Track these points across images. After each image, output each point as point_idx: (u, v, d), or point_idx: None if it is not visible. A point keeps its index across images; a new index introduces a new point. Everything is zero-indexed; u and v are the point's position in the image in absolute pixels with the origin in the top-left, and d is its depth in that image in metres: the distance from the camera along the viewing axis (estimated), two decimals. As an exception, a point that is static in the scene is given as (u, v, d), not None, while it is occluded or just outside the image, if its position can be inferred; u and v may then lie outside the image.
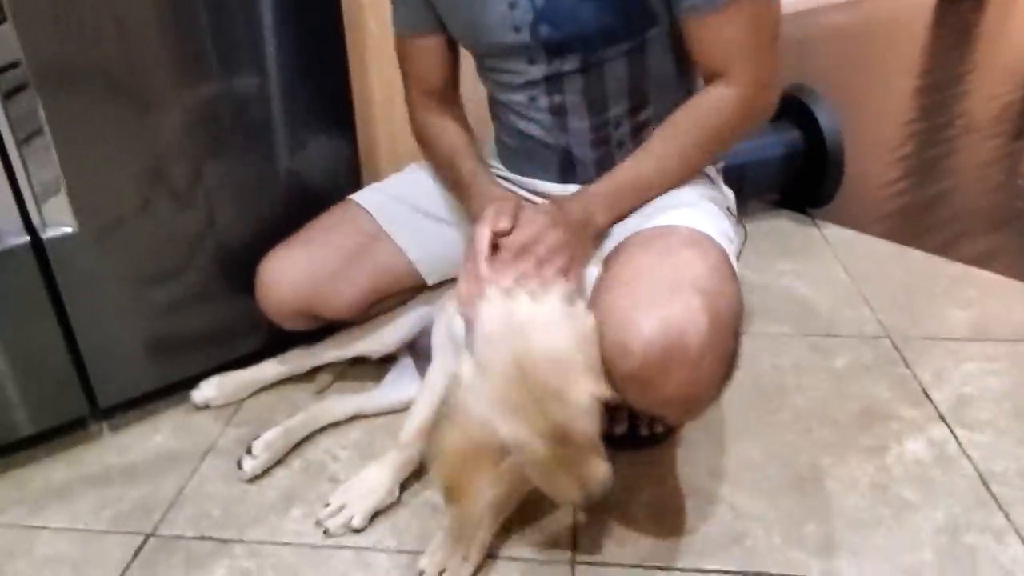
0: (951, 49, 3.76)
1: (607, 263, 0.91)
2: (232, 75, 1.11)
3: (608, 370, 0.78)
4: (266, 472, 1.09)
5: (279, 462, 1.11)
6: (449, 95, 1.12)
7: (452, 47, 1.09)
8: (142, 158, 1.07)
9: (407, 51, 1.10)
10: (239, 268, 1.17)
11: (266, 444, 1.09)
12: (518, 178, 1.10)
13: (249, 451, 1.09)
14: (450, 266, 1.12)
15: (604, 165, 1.00)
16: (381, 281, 1.13)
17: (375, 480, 1.02)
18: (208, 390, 1.23)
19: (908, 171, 2.14)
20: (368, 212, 1.14)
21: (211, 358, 1.25)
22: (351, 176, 1.28)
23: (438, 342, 1.08)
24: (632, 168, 0.96)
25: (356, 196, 1.17)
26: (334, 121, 1.24)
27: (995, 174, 2.09)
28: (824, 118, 1.67)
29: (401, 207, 1.14)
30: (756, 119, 0.96)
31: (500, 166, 1.13)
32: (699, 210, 0.95)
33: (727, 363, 0.80)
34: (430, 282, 1.16)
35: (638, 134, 1.01)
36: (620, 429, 1.08)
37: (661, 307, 0.76)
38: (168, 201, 1.11)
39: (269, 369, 1.26)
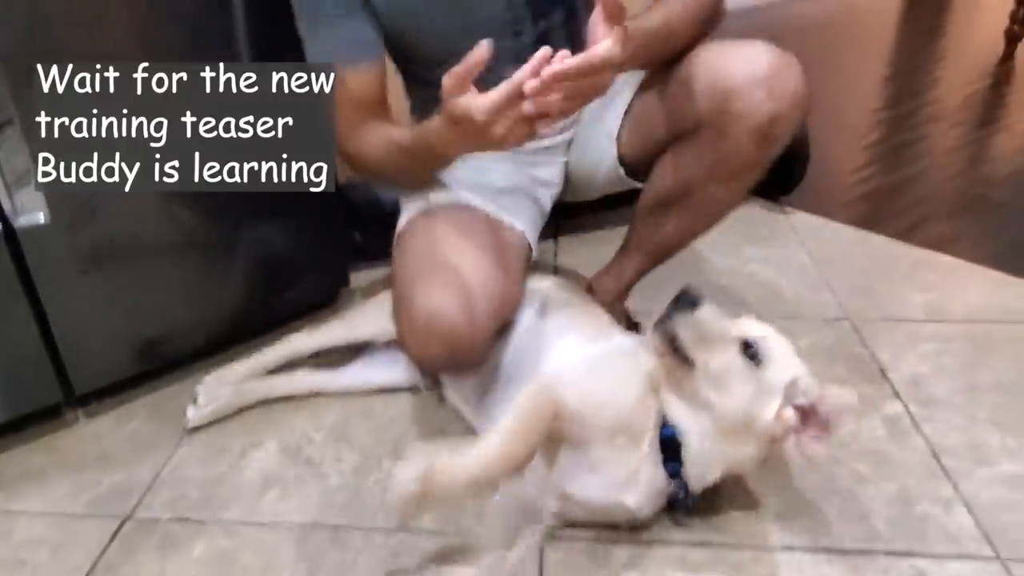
0: (920, 39, 3.82)
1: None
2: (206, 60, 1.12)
3: (736, 92, 0.97)
4: (242, 454, 1.12)
5: (255, 444, 1.13)
6: (384, 102, 1.06)
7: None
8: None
9: (345, 81, 1.00)
10: (211, 255, 1.18)
11: (210, 396, 1.15)
12: None
13: (195, 401, 1.15)
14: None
15: None
16: (520, 262, 1.11)
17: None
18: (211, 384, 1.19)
19: (875, 158, 2.19)
20: (472, 207, 1.09)
21: (185, 344, 1.27)
22: (328, 164, 1.29)
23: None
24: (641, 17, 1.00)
25: (437, 199, 1.11)
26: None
27: (958, 161, 2.14)
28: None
29: (472, 192, 1.11)
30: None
31: None
32: None
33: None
34: (535, 253, 1.18)
35: None
36: None
37: (762, 42, 1.00)
38: (139, 187, 1.10)
39: (276, 352, 1.22)
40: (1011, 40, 3.18)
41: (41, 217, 1.04)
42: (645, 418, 0.90)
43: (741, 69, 0.97)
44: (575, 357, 0.99)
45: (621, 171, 1.15)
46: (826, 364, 1.25)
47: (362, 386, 1.22)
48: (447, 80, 0.83)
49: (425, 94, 1.12)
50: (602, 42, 0.81)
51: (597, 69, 0.81)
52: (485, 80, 1.04)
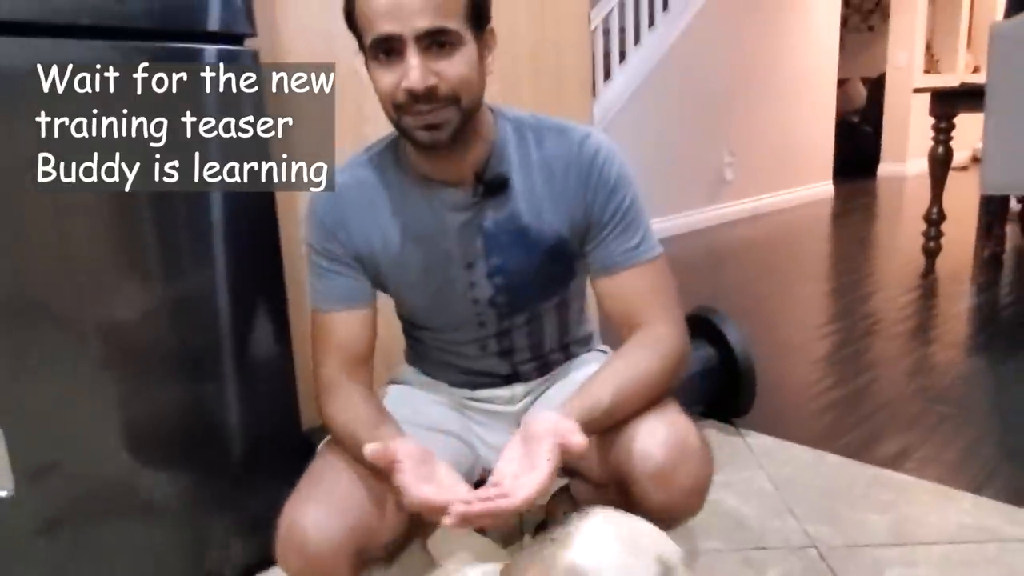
0: (851, 253, 4.16)
1: None
2: (179, 329, 1.20)
3: (632, 479, 0.96)
4: None
5: None
6: (369, 361, 1.09)
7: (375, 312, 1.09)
8: (79, 409, 1.12)
9: (333, 325, 1.06)
10: (167, 517, 1.18)
11: None
12: (462, 391, 1.18)
13: None
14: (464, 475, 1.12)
15: (542, 369, 1.18)
16: None
17: None
18: None
19: (823, 374, 2.31)
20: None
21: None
22: (290, 420, 1.34)
23: None
24: (594, 394, 0.98)
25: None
26: (276, 372, 1.32)
27: (900, 374, 2.27)
28: (733, 337, 1.83)
29: (406, 428, 1.04)
30: (686, 359, 1.06)
31: (442, 383, 1.19)
32: None
33: (712, 467, 1.01)
34: None
35: (565, 346, 1.20)
36: None
37: (667, 425, 0.99)
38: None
39: None
40: (929, 255, 3.49)
41: (5, 488, 1.05)
42: None
43: (637, 462, 0.96)
44: None
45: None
46: (796, 599, 1.24)
47: None
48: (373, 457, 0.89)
49: (411, 331, 1.20)
50: (522, 491, 0.84)
51: (512, 512, 0.85)
52: (447, 342, 1.14)
